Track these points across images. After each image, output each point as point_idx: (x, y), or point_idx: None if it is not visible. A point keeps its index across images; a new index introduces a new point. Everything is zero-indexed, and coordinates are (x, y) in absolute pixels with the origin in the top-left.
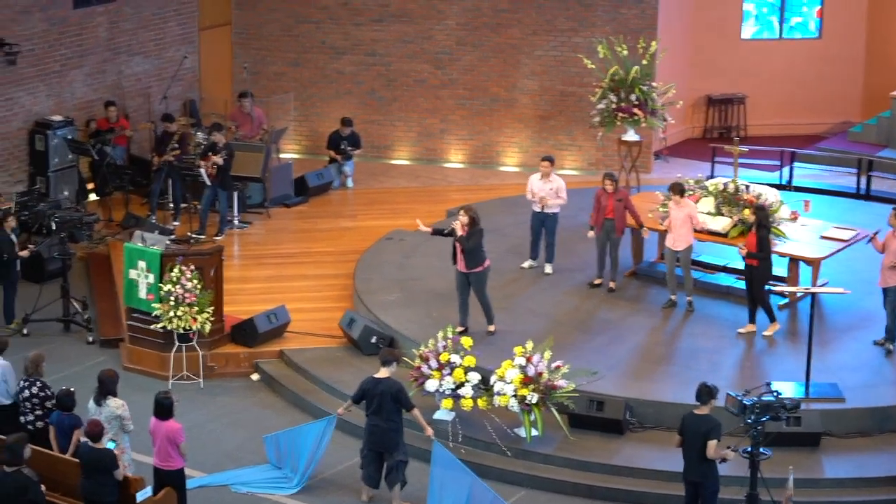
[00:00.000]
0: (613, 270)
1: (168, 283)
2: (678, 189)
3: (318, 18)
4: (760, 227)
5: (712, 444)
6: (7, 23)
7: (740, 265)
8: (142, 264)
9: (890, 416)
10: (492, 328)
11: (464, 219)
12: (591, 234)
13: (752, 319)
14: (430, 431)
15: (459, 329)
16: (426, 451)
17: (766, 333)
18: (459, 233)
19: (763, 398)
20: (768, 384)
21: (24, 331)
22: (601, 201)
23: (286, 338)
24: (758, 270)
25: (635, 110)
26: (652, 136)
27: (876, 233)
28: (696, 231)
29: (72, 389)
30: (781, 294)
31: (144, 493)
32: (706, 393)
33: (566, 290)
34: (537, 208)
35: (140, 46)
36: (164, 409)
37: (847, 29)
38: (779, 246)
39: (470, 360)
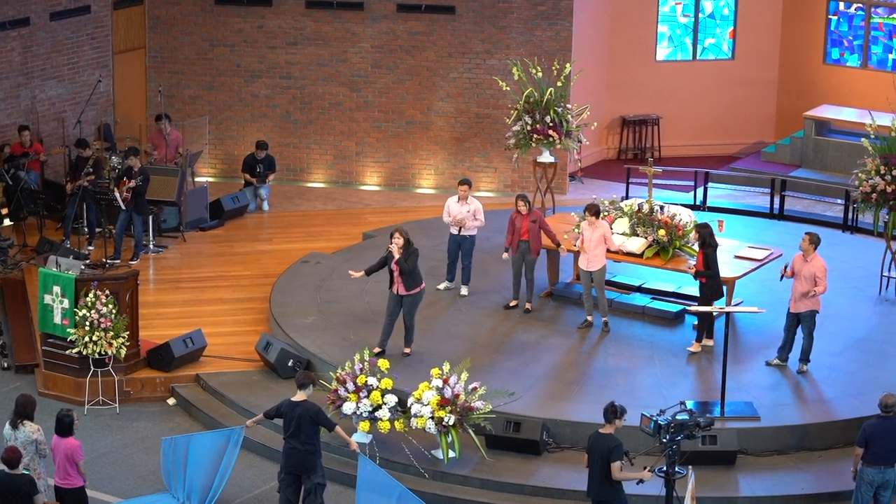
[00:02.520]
0: (529, 292)
1: (83, 308)
2: (593, 210)
3: (232, 42)
4: (705, 244)
5: (615, 465)
6: None
7: (655, 285)
8: (56, 289)
9: (805, 434)
10: (408, 350)
11: (399, 241)
12: (505, 255)
13: (708, 335)
14: (354, 446)
15: (377, 350)
16: (344, 475)
17: (690, 349)
18: (396, 255)
19: (677, 417)
20: (682, 403)
21: None
22: (515, 223)
23: (202, 362)
24: (705, 288)
25: (550, 132)
26: (567, 158)
27: (786, 266)
28: (610, 251)
29: None
30: (696, 314)
31: None
32: (611, 412)
33: (483, 311)
34: (454, 231)
35: (54, 70)
36: (64, 426)
37: (760, 50)
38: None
39: (387, 383)
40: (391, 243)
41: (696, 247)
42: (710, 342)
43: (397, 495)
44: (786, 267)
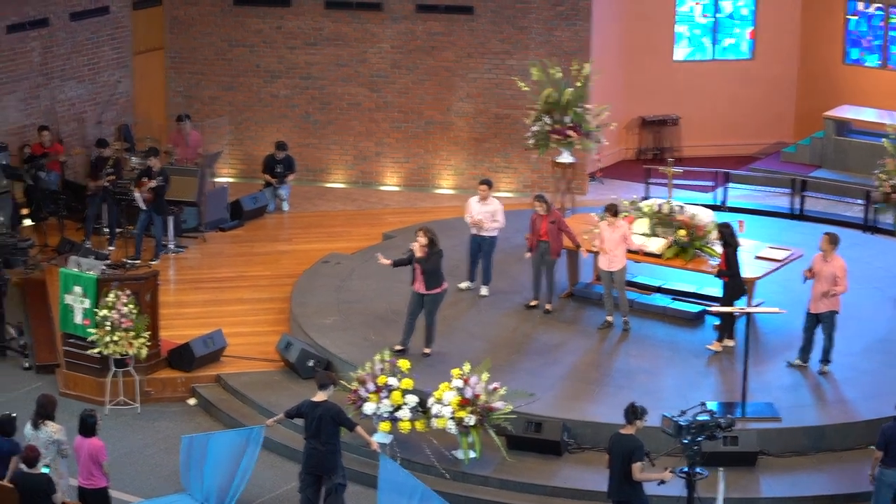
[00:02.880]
0: (549, 292)
1: (104, 308)
2: (613, 210)
3: (251, 42)
4: (726, 244)
5: (636, 466)
6: None
7: (676, 286)
8: (77, 289)
9: (825, 435)
10: (428, 350)
11: (422, 240)
12: (527, 255)
13: (729, 335)
14: (375, 445)
15: (398, 348)
16: (365, 475)
17: (710, 347)
18: (418, 254)
19: (698, 418)
20: (703, 404)
21: None
22: (536, 223)
23: (223, 362)
24: (727, 287)
25: (569, 132)
26: (586, 158)
27: (809, 269)
28: (630, 252)
29: (13, 415)
30: (717, 314)
31: None
32: (632, 412)
33: (503, 312)
34: (474, 231)
35: (74, 71)
36: (87, 426)
37: (780, 50)
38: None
39: (407, 383)
40: (414, 241)
41: (717, 247)
42: (731, 342)
43: (419, 495)
44: (810, 270)
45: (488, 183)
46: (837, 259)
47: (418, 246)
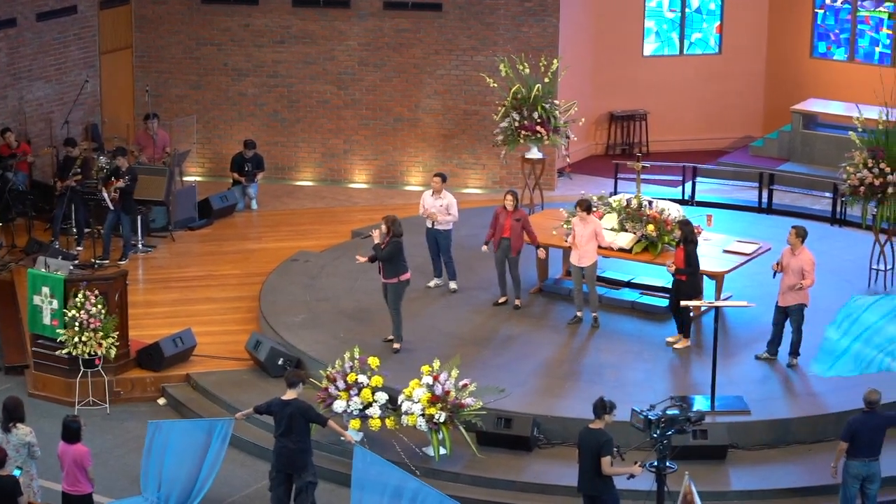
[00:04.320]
0: (517, 288)
1: (72, 308)
2: (585, 205)
3: (219, 41)
4: (687, 241)
5: (606, 460)
6: None
7: (644, 280)
8: (46, 290)
9: (795, 427)
10: (396, 345)
11: (383, 228)
12: (484, 248)
13: (685, 334)
14: (349, 438)
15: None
16: (335, 473)
17: (677, 345)
18: (376, 242)
19: (668, 412)
20: (672, 398)
21: None
22: (499, 219)
23: (192, 361)
24: (685, 285)
25: (538, 128)
26: (555, 154)
27: (777, 263)
28: (599, 247)
29: None
30: (682, 308)
31: None
32: (601, 407)
33: (472, 308)
34: (429, 224)
35: (41, 71)
36: (71, 432)
37: (747, 44)
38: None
39: (377, 380)
40: (376, 229)
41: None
42: (686, 343)
43: (395, 481)
44: (778, 263)
45: (442, 176)
46: (805, 252)
47: (378, 233)
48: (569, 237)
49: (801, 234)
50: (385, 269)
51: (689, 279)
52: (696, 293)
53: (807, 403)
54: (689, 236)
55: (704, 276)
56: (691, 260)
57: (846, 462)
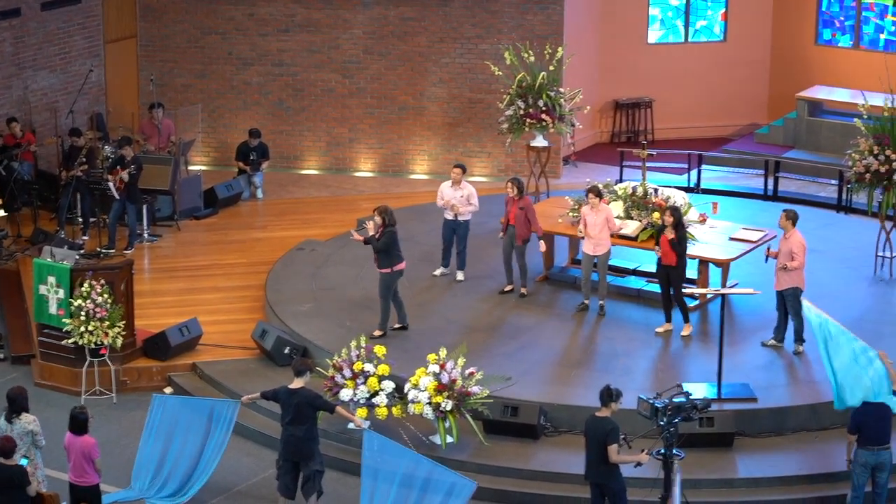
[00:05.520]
0: (523, 276)
1: (78, 298)
2: (596, 192)
3: (224, 29)
4: (677, 226)
5: (612, 448)
6: None
7: (650, 268)
8: (51, 280)
9: (801, 414)
10: (377, 333)
11: (377, 219)
12: (501, 235)
13: (668, 318)
14: (359, 422)
15: (397, 326)
16: (342, 461)
17: (683, 334)
18: (370, 233)
19: (674, 400)
20: (679, 386)
21: None
22: (508, 206)
23: (199, 350)
24: (675, 271)
25: (543, 116)
26: (560, 142)
27: (768, 248)
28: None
29: None
30: (691, 296)
31: None
32: (607, 395)
33: (478, 296)
34: (449, 216)
35: (46, 61)
36: (79, 423)
37: (752, 31)
38: (688, 248)
39: (384, 369)
40: (371, 220)
41: (670, 229)
42: (669, 327)
43: (407, 462)
44: (769, 248)
45: (462, 167)
46: (796, 235)
47: (373, 225)
48: (578, 225)
49: (792, 217)
50: (379, 259)
51: (679, 265)
52: (683, 278)
53: (813, 390)
54: (678, 221)
55: (711, 264)
56: (684, 244)
57: (856, 451)
